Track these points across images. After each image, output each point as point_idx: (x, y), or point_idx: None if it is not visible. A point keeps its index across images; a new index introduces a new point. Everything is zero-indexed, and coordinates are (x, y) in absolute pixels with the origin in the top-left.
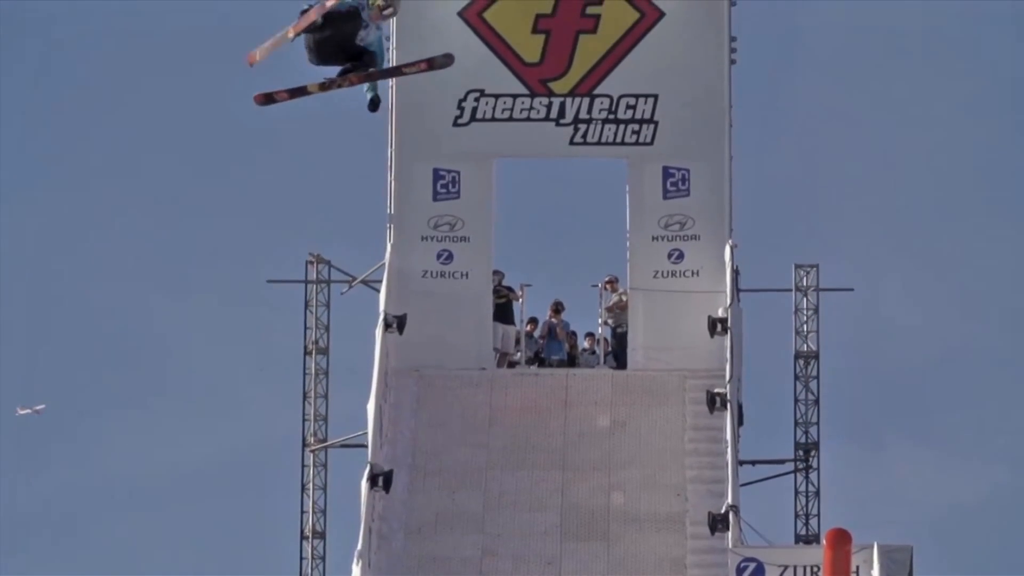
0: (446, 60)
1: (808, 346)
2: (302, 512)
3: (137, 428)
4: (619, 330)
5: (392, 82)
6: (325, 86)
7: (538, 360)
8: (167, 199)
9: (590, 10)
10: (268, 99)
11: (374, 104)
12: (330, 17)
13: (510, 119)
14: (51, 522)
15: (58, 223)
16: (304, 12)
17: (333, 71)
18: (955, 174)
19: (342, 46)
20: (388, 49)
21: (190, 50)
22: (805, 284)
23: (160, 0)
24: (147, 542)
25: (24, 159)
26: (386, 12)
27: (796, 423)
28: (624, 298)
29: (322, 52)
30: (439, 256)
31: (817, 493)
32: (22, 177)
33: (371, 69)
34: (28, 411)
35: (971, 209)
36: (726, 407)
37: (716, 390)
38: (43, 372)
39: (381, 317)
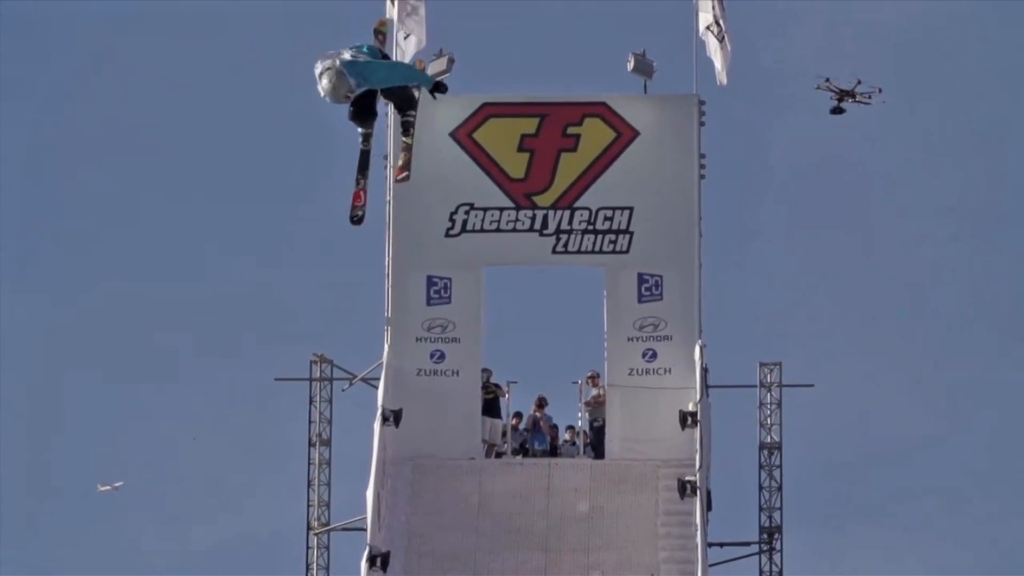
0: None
1: (772, 438)
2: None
3: (156, 513)
4: (596, 423)
5: (389, 196)
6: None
7: (523, 450)
8: (181, 300)
9: (571, 130)
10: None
11: (440, 87)
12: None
13: (497, 230)
14: None
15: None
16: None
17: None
18: (905, 280)
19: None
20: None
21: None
22: (769, 380)
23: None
24: None
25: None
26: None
27: (761, 508)
28: (602, 394)
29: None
30: (432, 356)
31: (780, 573)
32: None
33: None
34: (108, 488)
35: (924, 311)
36: (696, 494)
37: (687, 478)
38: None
39: (379, 411)
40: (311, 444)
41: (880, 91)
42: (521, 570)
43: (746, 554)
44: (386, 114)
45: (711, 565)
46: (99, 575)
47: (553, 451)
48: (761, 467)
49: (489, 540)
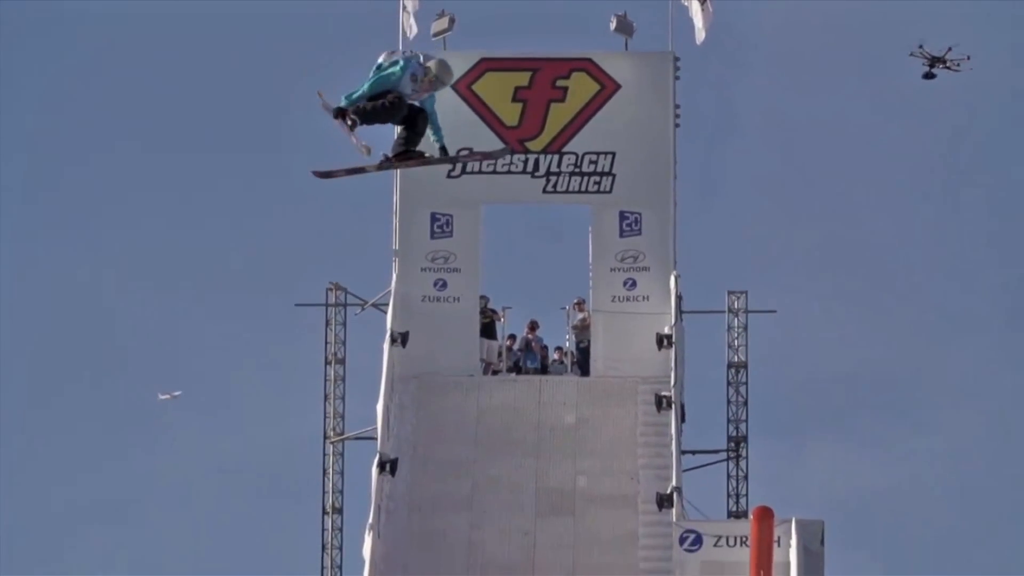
0: (502, 152)
1: (738, 358)
2: (323, 492)
3: (185, 429)
4: (582, 344)
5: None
6: (382, 166)
7: (517, 369)
8: (212, 236)
9: (559, 83)
10: (326, 175)
11: (444, 151)
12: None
13: (494, 172)
14: (101, 517)
15: (97, 251)
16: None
17: (377, 143)
18: (862, 213)
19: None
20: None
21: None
22: (736, 307)
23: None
24: (194, 524)
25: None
26: (436, 84)
27: (729, 420)
28: (587, 318)
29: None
30: (435, 284)
31: (746, 477)
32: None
33: (426, 155)
34: (167, 396)
35: (877, 244)
36: (671, 407)
37: (663, 393)
38: (98, 382)
39: (388, 333)
40: (327, 363)
41: (969, 59)
42: (515, 476)
43: (715, 461)
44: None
45: (684, 470)
46: (138, 487)
47: (544, 369)
48: (729, 384)
49: (486, 448)
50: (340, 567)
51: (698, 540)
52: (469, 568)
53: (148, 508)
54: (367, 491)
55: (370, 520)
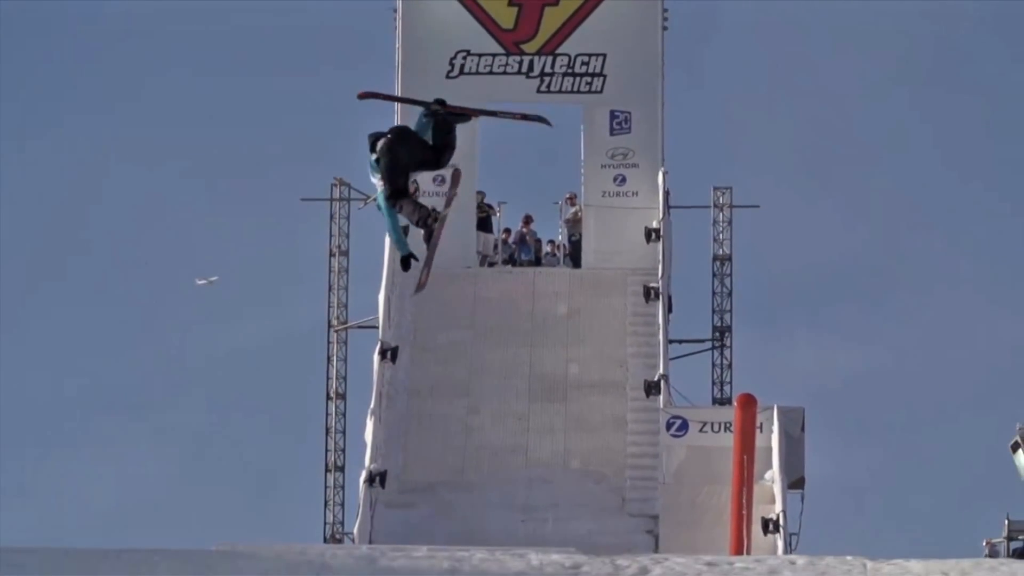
0: (540, 120)
1: (723, 251)
2: (327, 378)
3: (195, 317)
4: (574, 238)
5: (398, 44)
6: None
7: (512, 261)
8: (223, 135)
9: None
10: (371, 95)
11: (405, 262)
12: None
13: (490, 73)
14: (122, 402)
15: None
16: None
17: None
18: (845, 110)
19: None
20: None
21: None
22: (720, 202)
23: None
24: (205, 409)
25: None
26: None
27: (713, 311)
28: (579, 213)
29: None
30: (435, 180)
31: (730, 366)
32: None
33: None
34: (204, 282)
35: (857, 139)
36: (659, 298)
37: (651, 284)
38: (110, 272)
39: None
40: (331, 255)
41: None
42: (510, 362)
43: (701, 350)
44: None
45: (671, 359)
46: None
47: (537, 261)
48: (714, 276)
49: (483, 337)
50: (344, 450)
51: (684, 426)
52: (465, 450)
53: (160, 394)
54: (369, 378)
55: (372, 405)
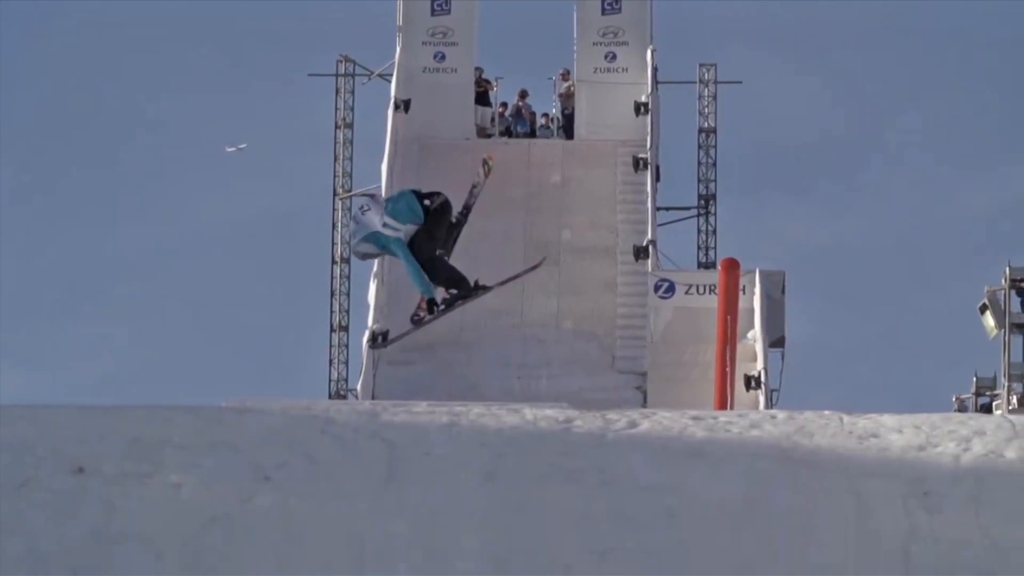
0: (540, 262)
1: (708, 124)
2: (332, 244)
3: (208, 185)
4: (567, 111)
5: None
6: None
7: (508, 133)
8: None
9: None
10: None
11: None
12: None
13: None
14: (136, 267)
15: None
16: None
17: None
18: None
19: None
20: None
21: None
22: (706, 78)
23: None
24: (220, 272)
25: None
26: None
27: (699, 180)
28: (572, 88)
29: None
30: (435, 56)
31: (714, 232)
32: None
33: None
34: (233, 149)
35: (839, 21)
36: (647, 168)
37: (640, 155)
38: (125, 143)
39: (392, 100)
40: (337, 127)
41: None
42: (506, 228)
43: (687, 216)
44: None
45: (658, 225)
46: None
47: (532, 133)
48: (699, 147)
49: (479, 204)
50: (348, 312)
51: (671, 288)
52: (463, 311)
53: (173, 259)
54: None
55: (375, 269)
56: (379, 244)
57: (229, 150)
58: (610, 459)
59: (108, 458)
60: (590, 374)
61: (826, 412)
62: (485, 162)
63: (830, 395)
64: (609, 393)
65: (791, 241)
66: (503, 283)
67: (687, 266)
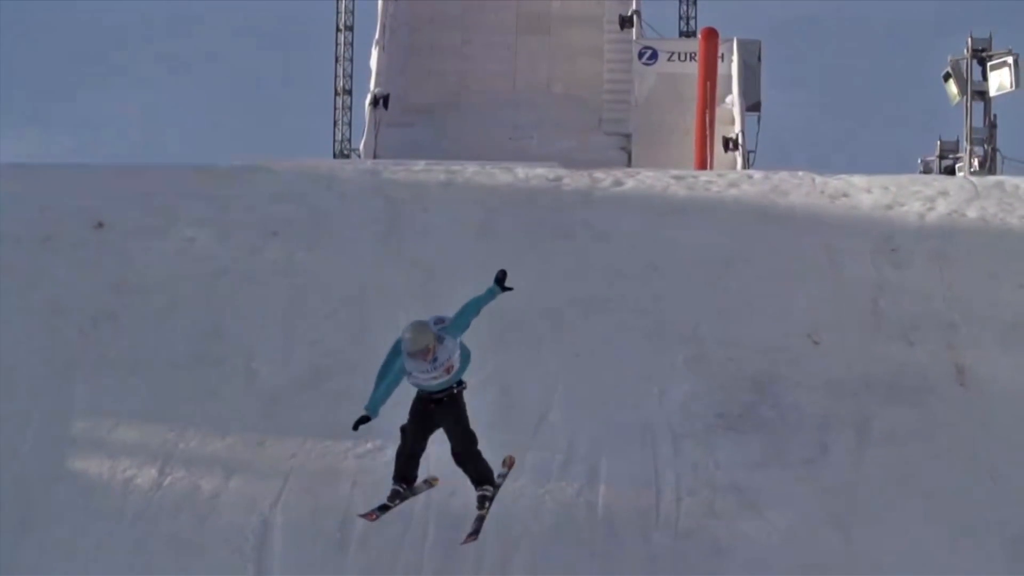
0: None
1: None
2: (337, 12)
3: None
4: None
5: None
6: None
7: None
8: None
9: None
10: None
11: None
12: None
13: None
14: (147, 30)
15: None
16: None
17: None
18: None
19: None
20: None
21: None
22: None
23: None
24: (227, 36)
25: None
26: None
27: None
28: None
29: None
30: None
31: (695, 2)
32: None
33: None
34: None
35: None
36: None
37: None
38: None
39: None
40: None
41: None
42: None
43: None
44: None
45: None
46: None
47: None
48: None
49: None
50: (351, 76)
51: (654, 55)
52: (460, 78)
53: (187, 25)
54: (374, 12)
55: (376, 36)
56: (463, 354)
57: None
58: (597, 215)
59: (126, 214)
60: (578, 135)
61: (800, 172)
62: (507, 462)
63: (803, 157)
64: (596, 153)
65: (768, 12)
66: None
67: (669, 35)
